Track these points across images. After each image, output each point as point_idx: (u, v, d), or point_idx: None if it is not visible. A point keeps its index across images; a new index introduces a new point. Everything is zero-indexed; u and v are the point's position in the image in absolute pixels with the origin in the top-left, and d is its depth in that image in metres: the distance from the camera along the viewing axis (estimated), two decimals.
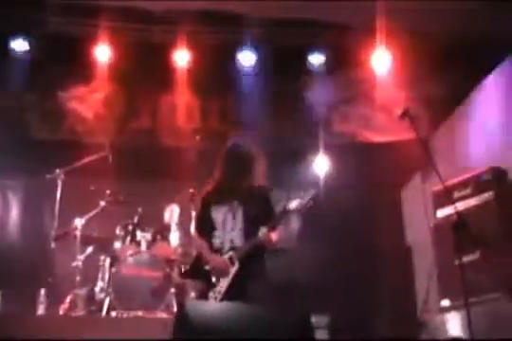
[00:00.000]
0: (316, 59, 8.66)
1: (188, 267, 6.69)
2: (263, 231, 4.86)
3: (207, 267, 4.99)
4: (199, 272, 5.08)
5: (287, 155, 8.33)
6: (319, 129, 8.53)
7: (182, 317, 3.92)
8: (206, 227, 5.13)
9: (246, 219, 4.99)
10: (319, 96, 8.62)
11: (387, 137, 8.45)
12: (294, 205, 4.87)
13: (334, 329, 6.78)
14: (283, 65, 8.44)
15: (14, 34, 8.47)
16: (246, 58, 8.71)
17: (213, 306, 4.32)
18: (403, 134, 7.84)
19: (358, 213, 7.95)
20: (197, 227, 5.38)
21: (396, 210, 8.21)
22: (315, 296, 7.12)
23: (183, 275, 6.80)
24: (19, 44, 8.54)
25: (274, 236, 4.95)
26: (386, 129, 8.41)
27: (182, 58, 8.76)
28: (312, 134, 8.58)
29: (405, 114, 5.00)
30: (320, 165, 8.54)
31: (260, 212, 4.95)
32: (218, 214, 5.06)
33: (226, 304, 4.39)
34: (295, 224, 8.33)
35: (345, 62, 8.48)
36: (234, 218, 5.01)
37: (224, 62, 8.61)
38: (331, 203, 7.86)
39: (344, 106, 8.71)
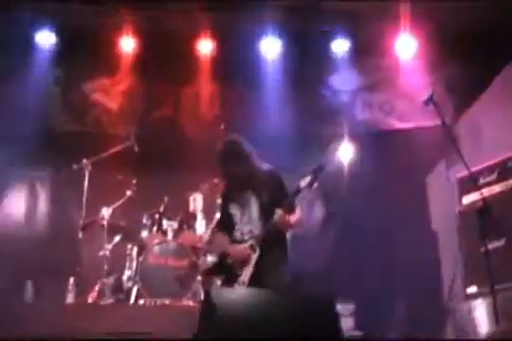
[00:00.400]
0: (339, 45, 8.65)
1: (211, 265, 6.86)
2: (278, 213, 4.85)
3: (229, 260, 5.03)
4: (221, 267, 5.14)
5: (311, 143, 8.37)
6: (342, 116, 8.54)
7: (208, 305, 3.97)
8: (227, 224, 5.21)
9: (260, 207, 5.03)
10: (342, 83, 8.62)
11: (411, 124, 8.44)
12: (304, 182, 4.87)
13: (359, 317, 6.82)
14: (307, 52, 8.45)
15: (39, 27, 8.57)
16: (270, 44, 8.69)
17: (239, 293, 4.34)
18: (427, 120, 7.86)
19: (383, 201, 7.92)
20: (219, 225, 5.50)
21: (421, 197, 8.16)
22: (339, 283, 7.13)
23: (207, 272, 6.85)
24: (44, 37, 8.64)
25: (291, 217, 4.97)
26: (410, 115, 8.39)
27: (205, 46, 8.80)
28: (335, 122, 8.62)
29: (429, 100, 4.97)
30: (344, 152, 8.53)
31: (274, 197, 4.96)
32: (235, 209, 5.14)
33: (251, 291, 4.42)
34: (319, 209, 8.36)
35: (369, 49, 8.47)
36: (249, 209, 5.06)
37: (247, 49, 8.63)
38: (355, 190, 7.87)
39: (368, 93, 8.69)
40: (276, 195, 4.95)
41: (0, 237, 8.50)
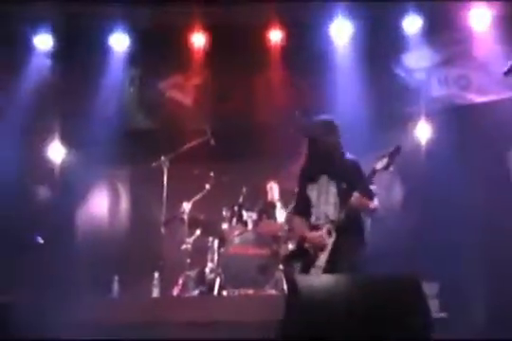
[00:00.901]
0: (411, 22, 8.35)
1: (288, 252, 6.82)
2: (355, 196, 4.77)
3: (306, 244, 4.99)
4: (299, 253, 5.11)
5: (387, 124, 8.16)
6: (418, 94, 8.30)
7: (293, 292, 3.92)
8: (303, 206, 5.16)
9: (338, 192, 4.95)
10: (416, 60, 8.38)
11: (489, 97, 8.09)
12: (380, 164, 4.76)
13: (444, 298, 6.59)
14: (378, 32, 8.26)
15: (112, 29, 8.72)
16: (340, 28, 8.52)
17: (325, 279, 4.25)
18: (507, 92, 7.53)
19: (464, 178, 7.63)
20: (295, 206, 5.46)
21: (505, 172, 7.81)
22: (422, 265, 6.91)
23: (285, 259, 6.81)
24: (118, 39, 8.79)
25: (369, 202, 4.87)
26: (488, 88, 8.05)
27: (275, 35, 8.75)
28: (411, 101, 8.37)
29: (509, 71, 4.74)
30: (422, 131, 8.32)
31: (352, 185, 4.87)
32: (312, 191, 5.08)
33: (336, 276, 4.32)
34: (398, 191, 8.17)
35: (441, 23, 8.18)
36: (327, 193, 4.98)
37: (317, 34, 8.48)
38: (434, 169, 7.62)
39: (443, 69, 8.39)
40: (354, 182, 4.85)
41: (85, 235, 8.85)
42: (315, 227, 5.00)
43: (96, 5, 8.32)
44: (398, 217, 7.87)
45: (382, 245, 6.41)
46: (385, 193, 8.06)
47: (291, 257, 5.50)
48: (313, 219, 5.03)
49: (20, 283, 7.14)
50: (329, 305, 3.79)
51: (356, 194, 4.76)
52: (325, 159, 5.02)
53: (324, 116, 5.22)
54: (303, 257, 5.02)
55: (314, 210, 5.05)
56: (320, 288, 3.91)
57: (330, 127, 5.09)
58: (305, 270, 4.96)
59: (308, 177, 5.15)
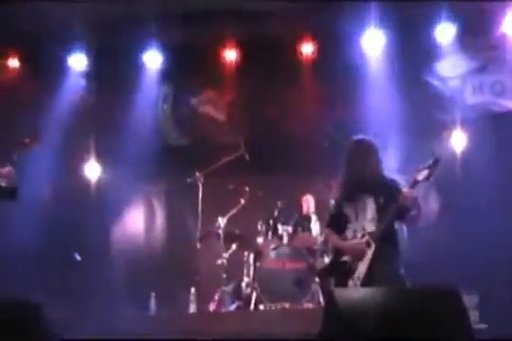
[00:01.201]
0: (444, 30, 8.26)
1: (324, 266, 6.75)
2: (405, 191, 4.71)
3: (344, 258, 4.93)
4: (336, 266, 5.05)
5: (423, 132, 8.08)
6: (452, 103, 8.20)
7: (331, 305, 3.85)
8: (339, 224, 5.11)
9: (377, 208, 4.89)
10: (449, 68, 8.29)
11: None
12: (421, 175, 4.70)
13: (484, 309, 6.45)
14: (410, 42, 8.20)
15: (146, 46, 8.81)
16: (373, 38, 8.45)
17: (362, 292, 4.18)
18: None
19: (501, 188, 7.47)
20: (330, 224, 5.33)
21: None
22: (458, 275, 6.77)
23: (321, 273, 6.75)
24: (151, 57, 8.87)
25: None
26: None
27: (307, 49, 8.75)
28: (446, 110, 8.26)
29: None
30: (457, 139, 8.19)
31: (390, 198, 4.78)
32: (350, 209, 5.03)
33: (374, 289, 4.24)
34: (433, 201, 8.04)
35: (474, 30, 8.10)
36: (365, 209, 4.93)
37: (349, 45, 8.44)
38: (470, 178, 7.49)
39: (477, 75, 8.27)
40: (393, 197, 4.76)
41: (121, 252, 8.92)
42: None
43: (128, 24, 8.49)
44: (434, 228, 7.76)
45: (419, 257, 6.33)
46: (422, 204, 7.96)
47: (328, 270, 5.46)
48: (349, 232, 4.99)
49: (60, 300, 7.22)
50: (368, 318, 3.72)
51: (405, 189, 4.73)
52: (364, 180, 4.99)
53: (363, 137, 5.18)
54: (341, 269, 4.96)
55: (351, 226, 5.00)
56: (359, 301, 3.82)
57: (369, 149, 5.06)
58: (343, 282, 4.90)
59: (345, 197, 5.10)
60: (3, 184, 5.02)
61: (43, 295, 7.14)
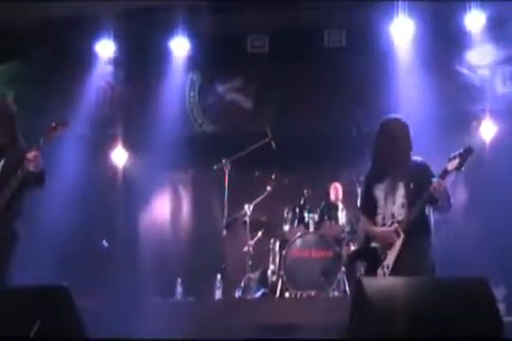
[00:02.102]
0: (474, 19, 8.11)
1: (354, 250, 6.75)
2: (435, 182, 4.63)
3: (373, 244, 4.92)
4: (365, 251, 5.05)
5: (452, 122, 8.01)
6: (482, 92, 8.12)
7: (360, 294, 3.84)
8: (369, 206, 5.08)
9: (406, 194, 4.85)
10: (479, 57, 8.20)
11: None
12: (452, 165, 4.64)
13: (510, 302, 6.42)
14: (440, 30, 8.12)
15: (173, 33, 8.76)
16: (402, 26, 8.31)
17: (390, 281, 4.18)
18: None
19: None
20: (361, 206, 5.40)
21: None
22: (485, 267, 6.72)
23: (350, 257, 6.74)
24: (178, 44, 8.82)
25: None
26: None
27: (335, 37, 8.66)
28: (475, 99, 8.20)
29: None
30: (487, 129, 8.08)
31: (421, 187, 4.76)
32: (379, 192, 4.98)
33: (402, 279, 4.24)
34: (461, 192, 7.98)
35: (505, 18, 7.96)
36: (394, 194, 4.89)
37: (377, 33, 8.34)
38: (500, 169, 7.43)
39: (507, 65, 8.17)
40: (423, 185, 4.74)
41: (149, 239, 8.97)
42: (381, 227, 4.95)
43: (157, 10, 8.51)
44: (462, 219, 7.71)
45: (445, 248, 6.29)
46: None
47: (356, 255, 5.46)
48: (379, 218, 4.96)
49: (88, 287, 7.29)
50: (397, 307, 3.73)
51: (436, 180, 4.66)
52: (397, 161, 4.93)
53: (396, 116, 5.12)
54: (370, 256, 4.95)
55: (381, 210, 4.97)
56: (388, 290, 3.83)
57: (402, 128, 4.99)
58: (372, 269, 4.89)
59: (376, 178, 5.06)
60: (30, 168, 5.05)
61: (70, 281, 7.25)
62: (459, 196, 7.96)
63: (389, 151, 4.95)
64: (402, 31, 8.39)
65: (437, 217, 5.22)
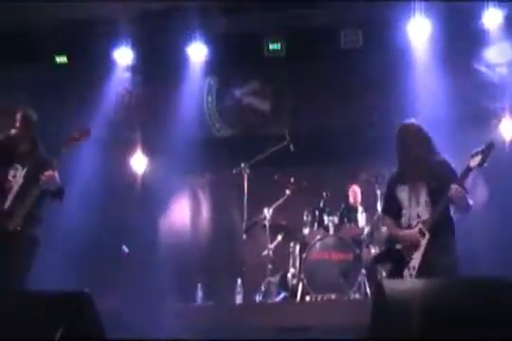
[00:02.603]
0: (491, 16, 8.02)
1: (379, 252, 6.69)
2: (454, 187, 4.63)
3: (398, 246, 4.91)
4: (390, 253, 5.03)
5: (471, 120, 7.94)
6: (501, 90, 8.02)
7: (381, 297, 3.75)
8: (393, 207, 5.10)
9: (430, 193, 4.87)
10: (497, 55, 8.10)
11: None
12: (474, 162, 4.64)
13: None
14: (457, 28, 8.04)
15: (190, 39, 8.78)
16: (418, 25, 8.27)
17: (412, 283, 4.11)
18: None
19: None
20: (384, 208, 5.42)
21: None
22: (503, 266, 6.63)
23: (374, 260, 6.69)
24: (195, 50, 8.84)
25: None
26: None
27: (351, 37, 8.55)
28: (494, 97, 8.09)
29: None
30: (507, 127, 7.98)
31: (443, 185, 4.75)
32: (403, 193, 5.00)
33: (424, 280, 4.18)
34: (482, 190, 7.89)
35: None
36: (418, 194, 4.91)
37: (392, 34, 8.27)
38: None
39: None
40: (446, 183, 4.73)
41: (168, 243, 9.00)
42: (406, 228, 4.93)
43: (173, 16, 8.53)
44: (481, 218, 7.61)
45: (469, 247, 6.21)
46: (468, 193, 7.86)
47: (381, 258, 5.43)
48: (404, 220, 4.97)
49: (109, 292, 7.30)
50: (419, 310, 3.67)
51: (454, 186, 4.64)
52: (416, 163, 4.98)
53: (411, 121, 5.15)
54: (395, 258, 4.94)
55: (405, 211, 4.99)
56: (409, 292, 3.75)
57: (417, 133, 5.03)
58: (397, 271, 4.87)
59: (398, 180, 5.10)
60: (47, 187, 5.09)
61: (91, 286, 7.27)
62: (478, 195, 7.88)
63: (406, 155, 5.03)
64: (419, 30, 8.35)
65: (457, 216, 5.18)
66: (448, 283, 4.01)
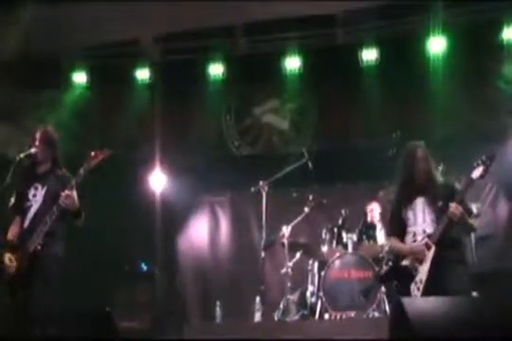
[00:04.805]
0: (510, 33, 8.05)
1: (385, 270, 6.64)
2: (452, 205, 4.65)
3: (404, 262, 4.91)
4: (397, 270, 5.01)
5: (491, 135, 7.82)
6: None
7: (400, 315, 3.76)
8: (398, 227, 5.11)
9: (435, 210, 4.87)
10: None
11: None
12: (476, 172, 4.63)
13: None
14: (474, 45, 8.01)
15: (209, 60, 8.89)
16: (436, 41, 8.27)
17: (432, 302, 4.04)
18: None
19: None
20: (390, 228, 5.38)
21: None
22: None
23: (381, 278, 6.63)
24: (215, 68, 8.93)
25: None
26: None
27: (370, 55, 8.57)
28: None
29: None
30: None
31: (448, 201, 4.75)
32: (408, 213, 5.02)
33: (443, 299, 4.13)
34: (502, 207, 7.80)
35: None
36: (423, 212, 4.92)
37: (411, 50, 8.32)
38: None
39: None
40: (450, 200, 4.75)
41: (187, 261, 9.02)
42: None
43: (192, 36, 8.61)
44: (504, 236, 7.51)
45: (488, 266, 6.13)
46: (490, 211, 7.78)
47: (390, 274, 5.39)
48: (409, 237, 4.96)
49: (128, 310, 7.30)
50: (438, 329, 3.63)
51: (453, 204, 4.65)
52: (420, 184, 4.99)
53: (415, 143, 5.16)
54: (401, 274, 4.91)
55: (410, 229, 4.99)
56: (429, 311, 3.72)
57: (421, 155, 5.04)
58: (405, 287, 4.84)
59: (403, 200, 5.09)
60: (65, 207, 5.09)
61: (112, 305, 7.28)
62: (499, 211, 7.80)
63: (411, 176, 5.04)
64: (437, 46, 8.33)
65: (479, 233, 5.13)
66: (471, 301, 3.98)
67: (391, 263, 6.87)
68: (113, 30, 8.28)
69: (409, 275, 4.82)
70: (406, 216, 5.01)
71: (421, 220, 4.91)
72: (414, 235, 4.91)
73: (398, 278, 5.00)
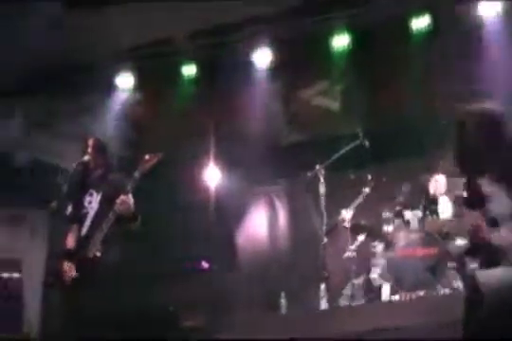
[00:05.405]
0: None
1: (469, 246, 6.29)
2: None
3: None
4: (482, 246, 4.65)
5: None
6: None
7: (474, 290, 3.58)
8: (475, 201, 4.49)
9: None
10: None
11: None
12: None
13: None
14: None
15: (254, 46, 8.71)
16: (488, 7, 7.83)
17: (505, 272, 3.74)
18: None
19: None
20: (466, 203, 4.88)
21: None
22: None
23: (464, 255, 6.29)
24: (259, 54, 8.74)
25: None
26: None
27: (420, 23, 8.16)
28: None
29: None
30: None
31: None
32: (486, 183, 4.39)
33: None
34: None
35: None
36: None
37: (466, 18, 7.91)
38: None
39: None
40: None
41: (248, 254, 8.91)
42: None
43: (238, 24, 8.46)
44: None
45: None
46: None
47: (472, 251, 5.07)
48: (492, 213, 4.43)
49: (191, 308, 7.24)
50: None
51: None
52: (497, 149, 4.45)
53: (492, 105, 4.75)
54: (487, 250, 4.56)
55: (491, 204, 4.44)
56: (505, 283, 3.53)
57: (500, 117, 4.65)
58: (493, 264, 4.49)
59: (478, 167, 4.72)
60: (121, 212, 5.11)
61: (174, 304, 7.25)
62: None
63: (491, 142, 4.39)
64: (493, 10, 7.85)
65: None
66: None
67: (461, 241, 6.68)
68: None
69: (497, 251, 4.44)
70: (481, 186, 4.45)
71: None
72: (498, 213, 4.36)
73: (484, 253, 4.63)
